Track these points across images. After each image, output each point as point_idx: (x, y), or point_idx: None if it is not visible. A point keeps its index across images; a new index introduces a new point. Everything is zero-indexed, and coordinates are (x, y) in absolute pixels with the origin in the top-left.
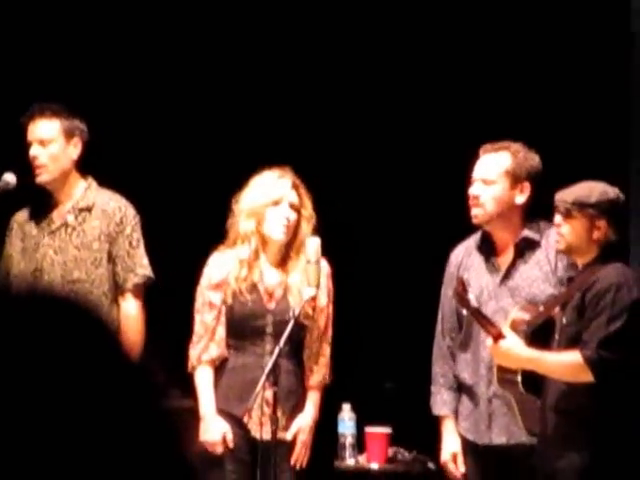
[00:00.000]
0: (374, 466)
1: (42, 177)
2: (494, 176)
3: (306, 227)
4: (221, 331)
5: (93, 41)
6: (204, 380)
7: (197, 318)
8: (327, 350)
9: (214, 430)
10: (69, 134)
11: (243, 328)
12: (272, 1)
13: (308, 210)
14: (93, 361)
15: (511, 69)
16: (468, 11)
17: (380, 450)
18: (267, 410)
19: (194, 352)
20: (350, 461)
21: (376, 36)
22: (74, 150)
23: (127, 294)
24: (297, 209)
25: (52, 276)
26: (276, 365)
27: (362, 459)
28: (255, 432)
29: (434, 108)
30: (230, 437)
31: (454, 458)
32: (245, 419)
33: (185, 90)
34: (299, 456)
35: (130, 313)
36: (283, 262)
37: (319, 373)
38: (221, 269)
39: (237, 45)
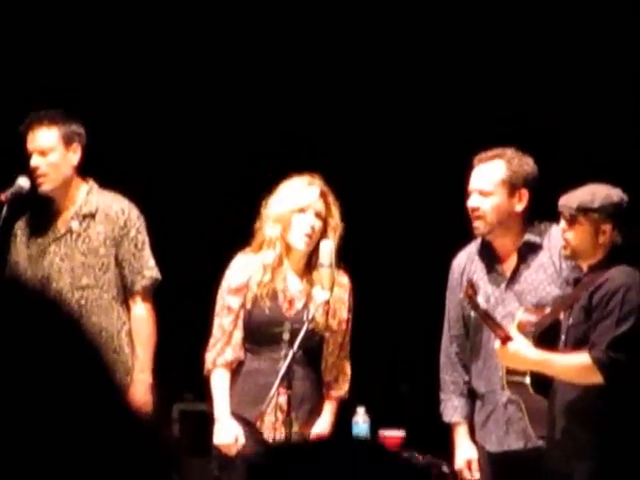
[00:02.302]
0: None
1: (44, 186)
2: (491, 187)
3: (332, 236)
4: (238, 335)
5: (101, 44)
6: (219, 383)
7: (216, 321)
8: (348, 367)
9: (228, 432)
10: (68, 141)
11: (260, 334)
12: (287, 20)
13: (335, 219)
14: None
15: (514, 71)
16: (470, 19)
17: None
18: (280, 415)
19: (210, 355)
20: None
21: (381, 51)
22: (74, 156)
23: (136, 297)
24: (323, 218)
25: (60, 283)
26: (290, 370)
27: None
28: (268, 437)
29: (438, 118)
30: (242, 441)
31: (469, 465)
32: (258, 423)
33: (216, 91)
34: None
35: (141, 315)
36: (307, 270)
37: (341, 389)
38: (242, 273)
39: (261, 53)
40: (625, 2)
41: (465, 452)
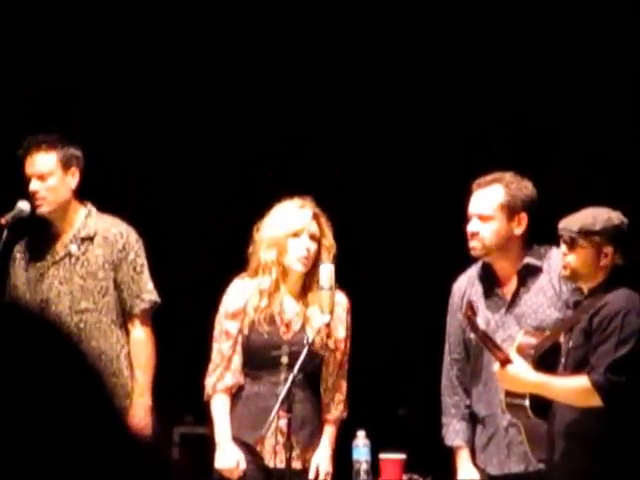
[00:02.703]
0: None
1: (42, 209)
2: (490, 212)
3: (326, 257)
4: (237, 360)
5: (99, 53)
6: (219, 408)
7: (214, 347)
8: (344, 386)
9: (229, 457)
10: (66, 165)
11: (259, 358)
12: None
13: (328, 240)
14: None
15: (513, 82)
16: (472, 24)
17: (394, 476)
18: (281, 439)
19: (210, 380)
20: None
21: (381, 61)
22: (72, 180)
23: (135, 320)
24: (317, 239)
25: (59, 307)
26: (290, 393)
27: None
28: (269, 461)
29: (438, 137)
30: (244, 465)
31: None
32: (258, 447)
33: (210, 110)
34: None
35: (140, 339)
36: (303, 292)
37: (337, 409)
38: (239, 298)
39: (256, 73)
40: (625, 2)
41: (467, 475)
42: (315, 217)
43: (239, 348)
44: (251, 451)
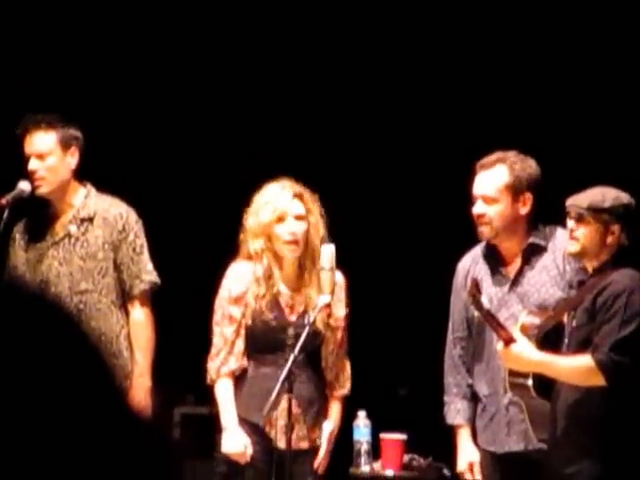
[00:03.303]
0: (389, 473)
1: (42, 189)
2: (495, 193)
3: (315, 233)
4: (240, 344)
5: (97, 46)
6: (224, 392)
7: (216, 330)
8: (348, 365)
9: (237, 441)
10: (66, 145)
11: (265, 342)
12: (280, 19)
13: (315, 216)
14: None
15: (516, 69)
16: (471, 19)
17: (395, 457)
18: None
19: (213, 365)
20: (365, 468)
21: (378, 52)
22: (72, 160)
23: (134, 301)
24: (304, 217)
25: (59, 288)
26: (290, 373)
27: (377, 466)
28: (279, 441)
29: (442, 119)
30: (251, 450)
31: (471, 467)
32: (267, 428)
33: (200, 93)
34: (323, 461)
35: (139, 319)
36: (300, 273)
37: (344, 387)
38: (240, 282)
39: (244, 64)
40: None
41: (467, 455)
42: (297, 196)
43: (242, 332)
44: (257, 432)
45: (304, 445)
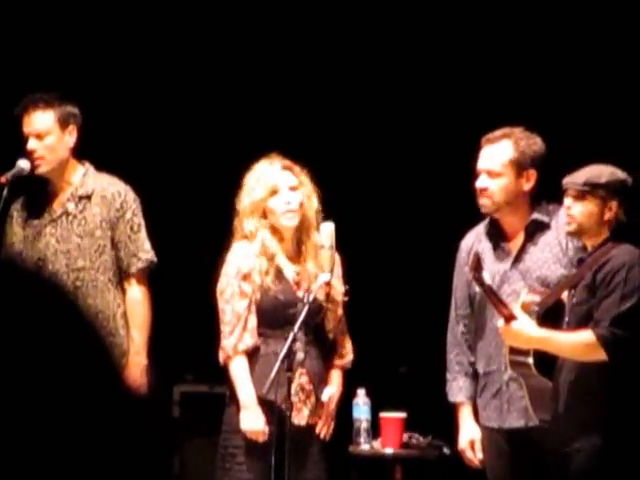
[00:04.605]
0: (389, 451)
1: (41, 168)
2: (499, 168)
3: (309, 205)
4: (253, 320)
5: (96, 31)
6: (242, 370)
7: (227, 309)
8: (348, 341)
9: (257, 419)
10: (64, 123)
11: (275, 318)
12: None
13: (307, 187)
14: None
15: (519, 47)
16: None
17: (395, 435)
18: (302, 396)
19: (229, 342)
20: (365, 446)
21: (377, 35)
22: (70, 138)
23: (131, 279)
24: (297, 188)
25: (56, 265)
26: (291, 351)
27: (377, 444)
28: (294, 418)
29: (445, 96)
30: (267, 428)
31: (472, 445)
32: (284, 406)
33: (194, 79)
34: (325, 426)
35: (136, 298)
36: (298, 248)
37: (344, 359)
38: (247, 259)
39: (238, 51)
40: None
41: (468, 432)
42: (286, 168)
43: (253, 308)
44: (272, 409)
45: (312, 421)
